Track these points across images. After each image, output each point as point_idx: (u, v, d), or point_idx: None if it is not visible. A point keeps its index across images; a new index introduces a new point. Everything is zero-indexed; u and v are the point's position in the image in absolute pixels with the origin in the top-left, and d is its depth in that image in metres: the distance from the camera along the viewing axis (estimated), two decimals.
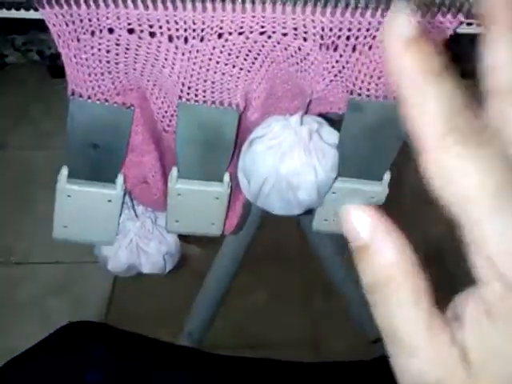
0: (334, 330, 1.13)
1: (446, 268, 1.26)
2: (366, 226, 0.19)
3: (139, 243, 0.44)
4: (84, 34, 0.32)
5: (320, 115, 0.38)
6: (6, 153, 1.59)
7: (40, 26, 0.34)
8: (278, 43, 0.32)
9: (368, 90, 0.33)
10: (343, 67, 0.32)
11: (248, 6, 0.30)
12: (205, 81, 0.34)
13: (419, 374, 0.18)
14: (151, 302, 1.18)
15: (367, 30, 0.30)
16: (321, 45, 0.31)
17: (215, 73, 0.33)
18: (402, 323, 0.19)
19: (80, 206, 0.40)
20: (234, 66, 0.33)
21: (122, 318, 1.15)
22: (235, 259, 1.05)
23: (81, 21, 0.31)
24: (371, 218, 0.19)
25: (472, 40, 0.34)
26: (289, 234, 1.30)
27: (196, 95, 0.34)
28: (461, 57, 0.34)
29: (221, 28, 0.31)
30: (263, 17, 0.30)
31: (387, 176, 0.38)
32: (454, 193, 0.17)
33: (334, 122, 0.38)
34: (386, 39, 0.18)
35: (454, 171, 0.17)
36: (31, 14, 0.33)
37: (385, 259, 0.19)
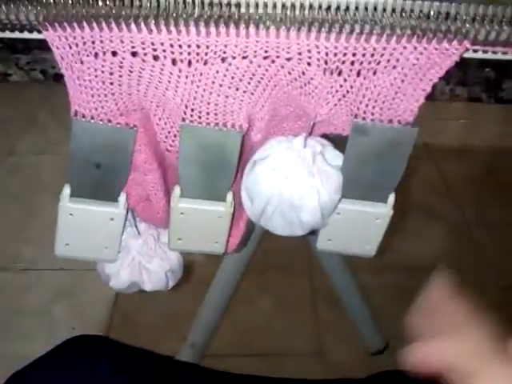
0: (339, 340, 1.13)
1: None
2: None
3: (141, 261, 0.44)
4: (87, 56, 0.32)
5: (323, 136, 0.38)
6: (14, 159, 1.60)
7: (44, 45, 0.34)
8: (282, 67, 0.32)
9: (372, 114, 0.33)
10: (347, 91, 0.32)
11: (252, 30, 0.30)
12: (208, 103, 0.34)
13: None
14: (155, 309, 1.18)
15: (372, 55, 0.30)
16: (325, 69, 0.31)
17: (218, 95, 0.33)
18: None
19: (82, 225, 0.40)
20: (237, 89, 0.33)
21: (125, 325, 1.15)
22: (239, 268, 1.05)
23: (84, 43, 0.31)
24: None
25: (478, 65, 0.33)
26: (294, 244, 1.29)
27: (199, 117, 0.34)
28: (467, 81, 0.34)
29: (224, 52, 0.31)
30: (267, 42, 0.30)
31: (392, 198, 0.38)
32: None
33: (337, 142, 0.37)
34: None
35: None
36: (35, 35, 0.33)
37: None
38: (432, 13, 0.29)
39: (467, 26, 0.29)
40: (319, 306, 1.20)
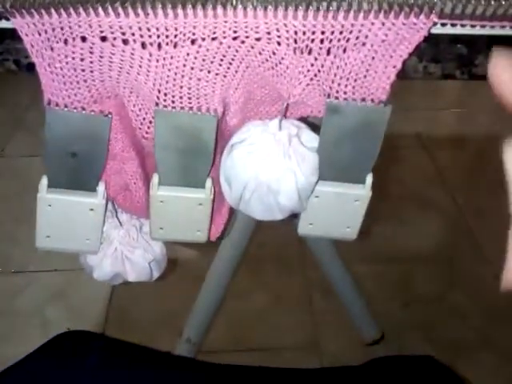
0: (335, 332, 1.13)
1: (445, 266, 1.26)
2: None
3: (124, 251, 0.44)
4: (57, 42, 0.32)
5: (301, 119, 0.38)
6: (3, 161, 1.59)
7: (15, 35, 0.33)
8: (252, 48, 0.31)
9: (345, 92, 0.33)
10: (319, 71, 0.32)
11: (219, 11, 0.30)
12: (181, 87, 0.33)
13: None
14: (150, 307, 1.18)
15: (340, 32, 0.30)
16: (295, 49, 0.31)
17: (190, 79, 0.33)
18: None
19: (62, 216, 0.39)
20: (209, 72, 0.33)
21: (120, 324, 1.15)
22: (233, 262, 1.05)
23: (53, 30, 0.31)
24: None
25: (450, 41, 0.33)
26: (287, 236, 1.29)
27: (173, 101, 0.34)
28: (440, 58, 0.34)
29: (193, 34, 0.31)
30: (235, 22, 0.30)
31: (369, 178, 0.38)
32: None
33: (315, 125, 0.37)
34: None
35: None
36: (5, 24, 0.33)
37: None
38: None
39: None
40: (314, 299, 1.20)
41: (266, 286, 1.22)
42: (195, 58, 0.32)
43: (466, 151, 1.64)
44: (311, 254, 1.12)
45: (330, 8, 0.29)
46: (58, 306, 1.18)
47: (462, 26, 0.30)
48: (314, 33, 0.30)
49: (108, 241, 0.43)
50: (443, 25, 0.30)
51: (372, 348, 1.08)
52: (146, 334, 1.10)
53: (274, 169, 0.35)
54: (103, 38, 0.31)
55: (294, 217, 0.42)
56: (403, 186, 1.43)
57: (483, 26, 0.30)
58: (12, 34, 0.35)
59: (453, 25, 0.30)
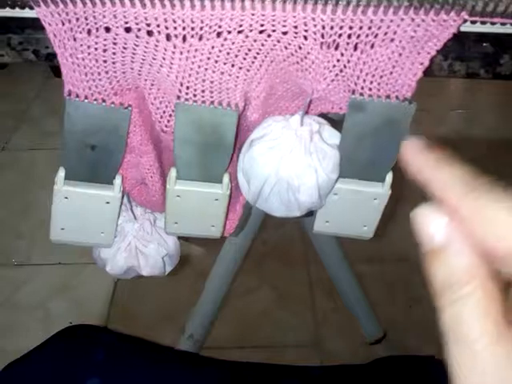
0: (337, 331, 1.13)
1: None
2: (441, 229, 0.19)
3: (138, 245, 0.43)
4: (80, 33, 0.31)
5: (321, 115, 0.37)
6: (8, 153, 1.59)
7: (36, 24, 0.33)
8: (278, 42, 0.31)
9: (370, 89, 0.32)
10: (344, 66, 0.32)
11: (247, 3, 0.29)
12: (203, 80, 0.33)
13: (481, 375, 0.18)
14: (153, 303, 1.18)
15: (369, 28, 0.30)
16: (322, 43, 0.31)
17: (214, 72, 0.33)
18: (469, 327, 0.18)
19: (77, 208, 0.39)
20: (233, 65, 0.33)
21: (123, 319, 1.14)
22: (237, 260, 1.05)
23: (77, 19, 0.31)
24: (445, 219, 0.19)
25: (476, 40, 0.33)
26: (292, 234, 1.29)
27: (195, 95, 0.34)
28: (466, 56, 0.34)
29: (219, 26, 0.30)
30: (263, 15, 0.30)
31: (389, 177, 0.37)
32: None
33: (335, 121, 0.37)
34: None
35: None
36: (27, 13, 0.33)
37: (462, 262, 0.18)
38: None
39: None
40: (317, 297, 1.20)
41: (270, 283, 1.22)
42: (220, 51, 0.32)
43: (471, 152, 1.63)
44: (315, 252, 1.12)
45: (360, 3, 0.28)
46: (60, 300, 1.18)
47: (492, 23, 0.30)
48: (341, 27, 0.30)
49: (122, 234, 0.43)
50: (473, 22, 0.30)
51: (374, 347, 1.08)
52: (149, 329, 1.09)
53: (294, 165, 0.34)
54: (127, 29, 0.31)
55: (309, 214, 0.41)
56: (407, 187, 1.43)
57: None
58: (32, 24, 0.35)
59: (482, 22, 0.30)
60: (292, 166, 0.34)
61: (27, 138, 1.62)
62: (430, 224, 0.20)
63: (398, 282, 1.23)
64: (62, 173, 0.38)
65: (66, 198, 0.38)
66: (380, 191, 0.38)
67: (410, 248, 1.39)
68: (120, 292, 1.20)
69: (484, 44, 0.33)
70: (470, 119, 1.79)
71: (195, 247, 1.23)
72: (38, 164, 1.51)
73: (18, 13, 0.33)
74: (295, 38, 0.31)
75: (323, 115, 0.38)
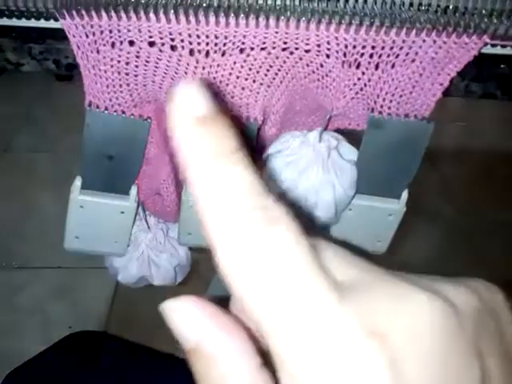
0: None
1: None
2: (194, 325, 0.16)
3: (150, 255, 0.43)
4: (104, 45, 0.32)
5: (337, 130, 0.38)
6: (10, 155, 1.59)
7: (57, 35, 0.33)
8: (301, 59, 0.31)
9: (389, 108, 0.33)
10: (365, 85, 0.32)
11: (272, 22, 0.29)
12: (224, 95, 0.33)
13: None
14: (153, 307, 1.17)
15: (391, 48, 0.30)
16: (343, 62, 0.31)
17: (235, 87, 0.33)
18: None
19: (92, 217, 0.39)
20: (254, 81, 0.33)
21: (123, 323, 1.14)
22: None
23: (101, 32, 0.31)
24: (200, 312, 0.16)
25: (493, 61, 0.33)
26: None
27: None
28: (482, 77, 0.34)
29: (243, 43, 0.31)
30: (286, 33, 0.30)
31: (405, 194, 0.38)
32: None
33: (350, 135, 0.37)
34: (175, 114, 0.16)
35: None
36: (49, 24, 0.33)
37: (220, 366, 0.15)
38: (450, 7, 0.29)
39: (486, 20, 0.29)
40: None
41: None
42: (242, 66, 0.32)
43: (470, 164, 1.64)
44: None
45: (384, 24, 0.29)
46: (60, 304, 1.18)
47: None
48: (364, 47, 0.30)
49: (135, 244, 0.43)
50: (493, 45, 0.30)
51: None
52: (148, 333, 1.09)
53: (312, 181, 0.35)
54: (151, 43, 0.31)
55: (324, 229, 0.42)
56: (408, 197, 1.44)
57: None
58: (53, 34, 0.35)
59: (503, 46, 0.30)
60: (309, 181, 0.35)
61: (29, 141, 1.62)
62: (180, 319, 0.16)
63: None
64: (78, 182, 0.38)
65: (82, 206, 0.39)
66: (395, 207, 0.38)
67: (410, 259, 1.39)
68: (120, 296, 1.19)
69: (501, 65, 0.34)
70: (469, 132, 1.80)
71: (196, 254, 1.23)
72: (39, 167, 1.51)
73: (39, 23, 0.33)
74: (317, 56, 0.31)
75: (339, 130, 0.38)
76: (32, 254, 1.27)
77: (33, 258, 1.26)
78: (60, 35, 0.33)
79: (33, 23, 0.34)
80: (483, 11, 0.29)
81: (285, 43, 0.30)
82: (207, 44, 0.31)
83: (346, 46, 0.30)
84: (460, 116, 1.88)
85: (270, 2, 0.29)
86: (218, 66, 0.32)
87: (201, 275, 1.17)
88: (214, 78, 0.33)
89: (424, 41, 0.30)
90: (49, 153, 1.55)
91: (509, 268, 1.28)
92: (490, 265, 1.29)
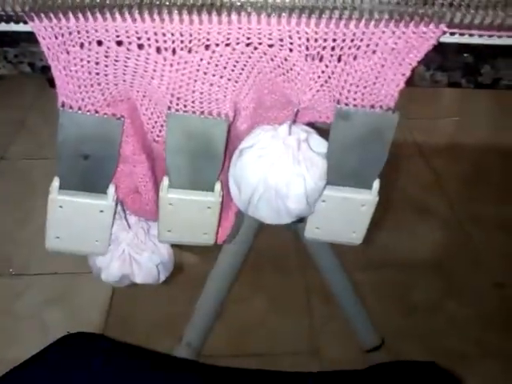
0: (333, 338, 1.13)
1: (444, 275, 1.26)
2: None
3: (132, 253, 0.44)
4: (73, 46, 0.32)
5: (308, 124, 0.38)
6: (5, 163, 1.60)
7: (31, 38, 0.34)
8: (265, 54, 0.32)
9: (354, 99, 0.33)
10: (329, 77, 0.33)
11: (234, 17, 0.30)
12: (193, 91, 0.34)
13: None
14: (150, 311, 1.18)
15: (351, 40, 0.31)
16: (306, 55, 0.32)
17: (203, 83, 0.34)
18: None
19: (72, 217, 0.40)
20: (221, 77, 0.34)
21: (120, 328, 1.15)
22: (233, 267, 1.05)
23: (70, 33, 0.32)
24: None
25: (457, 50, 0.34)
26: (287, 242, 1.30)
27: (185, 106, 0.35)
28: (447, 66, 0.35)
29: (208, 40, 0.31)
30: (249, 28, 0.31)
31: (377, 184, 0.38)
32: None
33: (323, 130, 0.38)
34: None
35: None
36: (22, 27, 0.34)
37: None
38: None
39: (443, 9, 0.29)
40: (313, 305, 1.20)
41: (266, 291, 1.22)
42: (208, 63, 0.33)
43: (464, 159, 1.65)
44: (311, 259, 1.12)
45: (343, 16, 0.29)
46: (57, 310, 1.18)
47: (470, 35, 0.31)
48: (325, 40, 0.31)
49: (116, 243, 0.44)
50: (452, 34, 0.31)
51: (371, 355, 1.09)
52: (146, 338, 1.10)
53: (283, 173, 0.35)
54: (119, 43, 0.32)
55: (300, 221, 0.42)
56: (402, 194, 1.44)
57: (490, 36, 0.31)
58: (27, 37, 0.36)
59: (461, 34, 0.31)
60: (280, 174, 0.35)
61: (24, 148, 1.63)
62: None
63: (395, 290, 1.23)
64: (56, 182, 0.39)
65: (61, 206, 0.39)
66: (368, 198, 0.39)
67: (405, 255, 1.40)
68: (117, 301, 1.20)
69: (465, 54, 0.34)
70: (461, 126, 1.81)
71: (191, 255, 1.24)
72: (35, 173, 1.52)
73: (13, 27, 0.34)
74: (281, 50, 0.32)
75: (311, 124, 0.39)
76: (29, 260, 1.28)
77: (30, 264, 1.27)
78: (34, 38, 0.33)
79: (6, 27, 0.35)
80: (441, 1, 0.30)
81: (248, 38, 0.31)
82: (173, 42, 0.32)
83: (308, 40, 0.31)
84: (452, 111, 1.89)
85: None
86: (186, 62, 0.33)
87: (189, 276, 1.17)
88: (183, 74, 0.33)
89: (383, 32, 0.30)
90: (45, 159, 1.56)
91: (503, 264, 1.28)
92: (484, 261, 1.30)
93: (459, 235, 1.38)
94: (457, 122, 1.84)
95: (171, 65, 0.33)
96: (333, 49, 0.31)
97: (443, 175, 1.56)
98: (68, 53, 0.33)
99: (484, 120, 1.81)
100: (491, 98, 1.84)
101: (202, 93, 0.34)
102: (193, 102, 0.35)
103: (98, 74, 0.34)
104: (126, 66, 0.33)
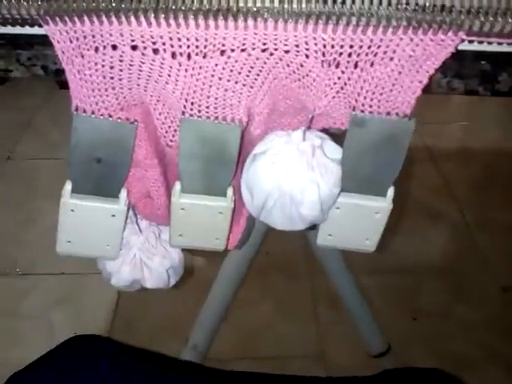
0: (340, 342, 1.13)
1: (452, 279, 1.26)
2: None
3: (143, 258, 0.44)
4: (88, 50, 0.32)
5: (322, 130, 0.38)
6: (11, 163, 1.60)
7: (44, 41, 0.34)
8: (280, 60, 0.32)
9: (370, 106, 0.33)
10: (345, 84, 0.33)
11: (250, 23, 0.30)
12: (208, 97, 0.34)
13: None
14: (156, 313, 1.18)
15: (369, 47, 0.30)
16: (323, 62, 0.31)
17: (218, 89, 0.34)
18: None
19: (83, 221, 0.40)
20: (236, 82, 0.33)
21: (126, 329, 1.15)
22: (240, 270, 1.05)
23: (84, 37, 0.32)
24: None
25: (474, 58, 0.34)
26: (295, 246, 1.30)
27: (199, 111, 0.35)
28: (464, 74, 0.34)
29: (223, 45, 0.31)
30: (265, 34, 0.30)
31: (391, 191, 0.38)
32: None
33: (337, 136, 0.38)
34: None
35: None
36: (36, 30, 0.34)
37: None
38: (427, 4, 0.29)
39: (462, 17, 0.29)
40: (320, 309, 1.20)
41: (272, 295, 1.22)
42: (223, 68, 0.32)
43: (474, 164, 1.64)
44: (318, 264, 1.12)
45: (360, 23, 0.29)
46: (64, 310, 1.18)
47: (489, 43, 0.31)
48: (342, 46, 0.31)
49: (127, 247, 0.43)
50: (470, 41, 0.31)
51: (378, 360, 1.08)
52: (152, 340, 1.10)
53: (297, 180, 0.35)
54: (134, 47, 0.32)
55: (312, 228, 0.42)
56: (411, 198, 1.44)
57: (510, 44, 0.31)
58: (41, 40, 0.36)
59: (479, 42, 0.31)
60: (294, 180, 0.35)
61: (31, 148, 1.64)
62: None
63: (401, 294, 1.23)
64: (68, 186, 0.38)
65: (73, 210, 0.39)
66: (382, 205, 0.38)
67: (413, 260, 1.39)
68: (123, 303, 1.20)
69: (482, 62, 0.34)
70: (470, 131, 1.80)
71: (198, 258, 1.24)
72: (41, 174, 1.52)
73: (26, 30, 0.34)
74: (297, 56, 0.31)
75: (325, 130, 0.38)
76: (35, 260, 1.28)
77: (36, 264, 1.27)
78: (47, 41, 0.33)
79: (20, 30, 0.34)
80: (459, 8, 0.29)
81: (264, 44, 0.31)
82: (188, 47, 0.31)
83: (325, 46, 0.31)
84: (462, 115, 1.88)
85: (249, 4, 0.30)
86: (200, 68, 0.32)
87: (197, 279, 1.17)
88: (197, 79, 0.33)
89: (401, 39, 0.30)
90: (51, 160, 1.56)
91: (509, 269, 1.27)
92: (492, 265, 1.29)
93: (468, 239, 1.37)
94: (466, 126, 1.83)
95: (186, 70, 0.33)
96: (349, 55, 0.31)
97: (453, 179, 1.56)
98: (83, 57, 0.33)
99: (493, 124, 1.80)
100: (500, 103, 1.83)
101: (216, 98, 0.34)
102: (207, 107, 0.34)
103: (112, 78, 0.34)
104: (140, 71, 0.33)
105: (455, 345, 1.12)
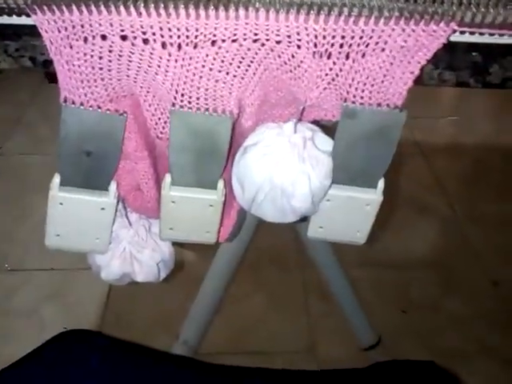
0: (331, 336, 1.13)
1: (442, 273, 1.27)
2: None
3: (132, 251, 0.44)
4: (76, 40, 0.32)
5: (313, 122, 0.38)
6: (1, 159, 1.59)
7: (33, 32, 0.33)
8: (272, 51, 0.32)
9: (362, 97, 0.33)
10: (337, 75, 0.32)
11: (241, 13, 0.30)
12: (198, 88, 0.34)
13: None
14: (147, 307, 1.17)
15: (360, 37, 0.30)
16: (314, 52, 0.31)
17: (208, 80, 0.33)
18: None
19: (72, 214, 0.39)
20: (227, 73, 0.33)
21: (117, 325, 1.14)
22: (231, 265, 1.05)
23: (73, 27, 0.31)
24: None
25: (466, 50, 0.34)
26: (285, 239, 1.30)
27: (189, 102, 0.34)
28: (456, 65, 0.34)
29: (214, 35, 0.31)
30: (256, 24, 0.30)
31: (381, 183, 0.38)
32: None
33: (328, 128, 0.38)
34: None
35: None
36: (24, 20, 0.33)
37: None
38: None
39: (454, 8, 0.29)
40: (311, 302, 1.20)
41: (263, 289, 1.22)
42: (214, 59, 0.32)
43: (463, 158, 1.65)
44: (309, 257, 1.12)
45: (352, 13, 0.29)
46: (54, 306, 1.18)
47: (481, 34, 0.30)
48: (334, 37, 0.30)
49: (117, 240, 0.43)
50: (462, 32, 0.31)
51: (369, 353, 1.08)
52: (143, 335, 1.09)
53: (288, 172, 0.35)
54: (123, 37, 0.31)
55: (303, 220, 0.42)
56: (401, 193, 1.44)
57: (501, 35, 0.30)
58: (29, 31, 0.35)
59: (471, 33, 0.30)
60: (285, 172, 0.35)
61: (22, 144, 1.62)
62: None
63: (392, 287, 1.23)
64: (57, 179, 0.38)
65: (61, 204, 0.39)
66: (372, 197, 0.38)
67: (403, 254, 1.40)
68: (114, 298, 1.20)
69: (473, 53, 0.34)
70: (461, 126, 1.81)
71: (188, 252, 1.24)
72: (32, 169, 1.51)
73: (14, 20, 0.33)
74: (288, 47, 0.31)
75: (316, 122, 0.38)
76: (25, 256, 1.27)
77: (26, 260, 1.26)
78: (35, 32, 0.33)
79: (7, 20, 0.34)
80: None
81: (255, 34, 0.31)
82: (179, 37, 0.31)
83: (316, 37, 0.30)
84: (452, 110, 1.88)
85: None
86: (191, 58, 0.32)
87: (188, 274, 1.17)
88: (188, 70, 0.33)
89: (393, 29, 0.30)
90: (41, 155, 1.55)
91: (502, 262, 1.28)
92: (483, 259, 1.30)
93: (458, 233, 1.38)
94: (457, 121, 1.84)
95: (176, 60, 0.32)
96: (341, 46, 0.31)
97: (443, 174, 1.56)
98: (71, 47, 0.32)
99: (484, 119, 1.81)
100: (491, 97, 1.84)
101: (206, 89, 0.34)
102: (197, 98, 0.34)
103: (101, 68, 0.33)
104: (130, 61, 0.33)
105: (445, 338, 1.13)
